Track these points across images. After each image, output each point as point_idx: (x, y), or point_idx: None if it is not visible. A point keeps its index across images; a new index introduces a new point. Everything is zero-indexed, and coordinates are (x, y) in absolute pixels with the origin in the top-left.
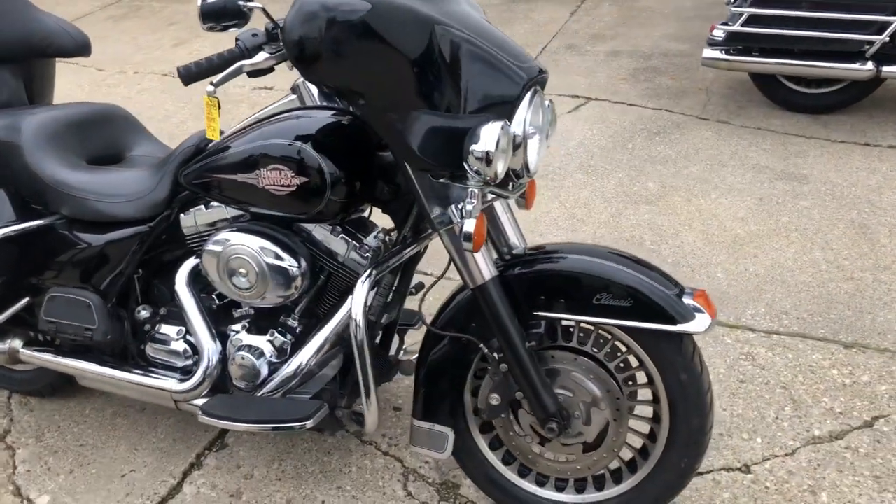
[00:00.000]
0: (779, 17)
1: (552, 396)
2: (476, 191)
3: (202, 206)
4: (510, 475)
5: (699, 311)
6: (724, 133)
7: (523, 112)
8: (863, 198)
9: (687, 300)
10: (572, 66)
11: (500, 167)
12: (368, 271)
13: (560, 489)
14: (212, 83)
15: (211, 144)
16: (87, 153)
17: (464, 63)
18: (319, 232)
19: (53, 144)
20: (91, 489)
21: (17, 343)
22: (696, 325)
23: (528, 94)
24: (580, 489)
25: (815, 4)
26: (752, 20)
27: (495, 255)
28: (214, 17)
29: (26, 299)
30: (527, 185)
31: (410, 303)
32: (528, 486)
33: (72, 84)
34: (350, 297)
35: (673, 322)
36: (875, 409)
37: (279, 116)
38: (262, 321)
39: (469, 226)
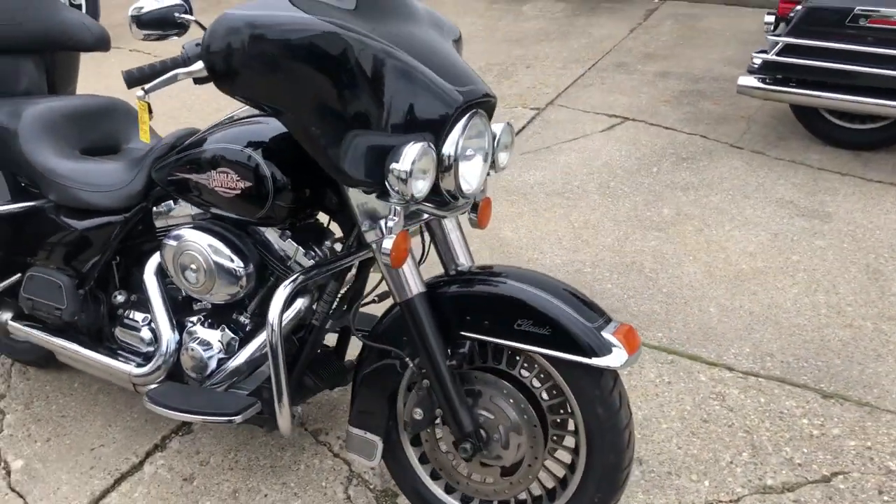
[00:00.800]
0: (817, 48)
1: (470, 416)
2: (398, 208)
3: (171, 202)
4: (437, 490)
5: (616, 346)
6: (756, 164)
7: (456, 134)
8: (885, 242)
9: (606, 334)
10: (617, 85)
11: (420, 187)
12: (293, 277)
13: None
14: (143, 88)
15: (183, 143)
16: (82, 143)
17: (390, 83)
18: (271, 235)
19: (49, 133)
20: (61, 458)
21: (6, 315)
22: (611, 359)
23: (465, 118)
24: None
25: (856, 37)
26: (788, 49)
27: (443, 271)
28: (150, 27)
29: (17, 275)
30: (468, 205)
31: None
32: (452, 501)
33: None
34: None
35: (587, 354)
36: (837, 464)
37: (242, 120)
38: (216, 316)
39: (388, 242)
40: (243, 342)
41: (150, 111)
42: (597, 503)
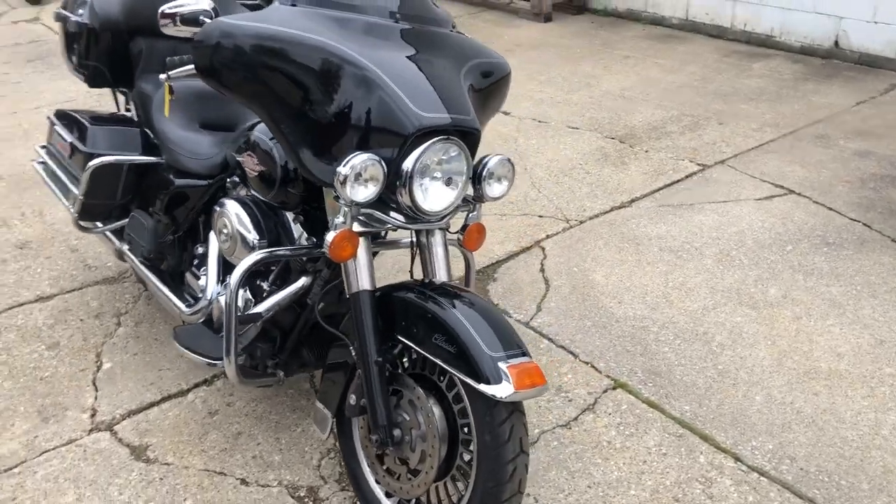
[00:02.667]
0: None
1: (387, 411)
2: (346, 209)
3: (236, 177)
4: (369, 475)
5: (506, 377)
6: None
7: (415, 155)
8: None
9: (503, 365)
10: (803, 156)
11: (363, 194)
12: (258, 254)
13: None
14: (168, 73)
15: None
16: (203, 118)
17: (357, 99)
18: (288, 217)
19: (177, 105)
20: (136, 371)
21: (125, 246)
22: (496, 389)
23: (430, 142)
24: None
25: None
26: None
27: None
28: (173, 20)
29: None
30: (441, 224)
31: None
32: (379, 492)
33: None
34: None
35: (477, 379)
36: None
37: None
38: (247, 278)
39: (329, 236)
40: (256, 304)
41: (172, 91)
42: None
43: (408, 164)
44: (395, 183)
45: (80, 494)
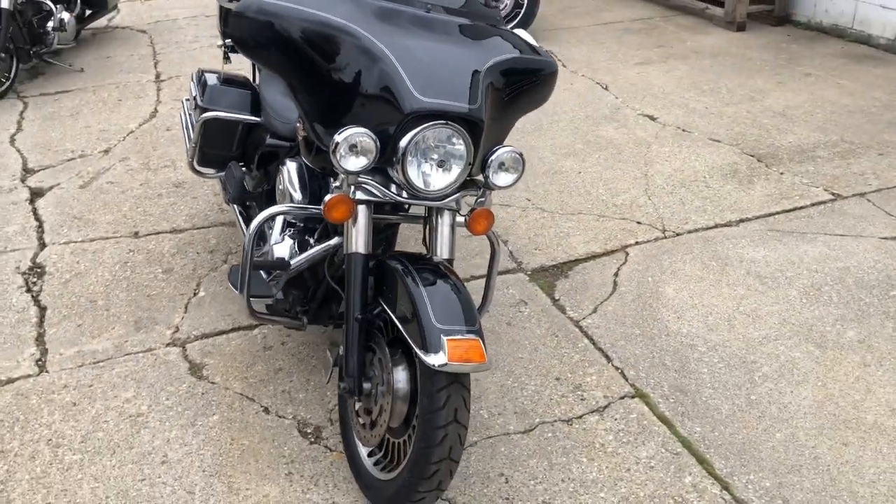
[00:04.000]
0: None
1: (358, 364)
2: (342, 176)
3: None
4: (352, 423)
5: (443, 349)
6: None
7: (410, 135)
8: None
9: (445, 338)
10: None
11: (353, 164)
12: (276, 208)
13: (377, 464)
14: (223, 43)
15: None
16: None
17: (365, 78)
18: (330, 182)
19: None
20: (221, 303)
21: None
22: (432, 358)
23: (427, 124)
24: (384, 467)
25: None
26: None
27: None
28: None
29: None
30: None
31: None
32: (357, 439)
33: None
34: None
35: (420, 347)
36: None
37: None
38: (299, 232)
39: (327, 198)
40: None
41: (226, 58)
42: (408, 484)
43: (403, 142)
44: (391, 159)
45: (138, 393)
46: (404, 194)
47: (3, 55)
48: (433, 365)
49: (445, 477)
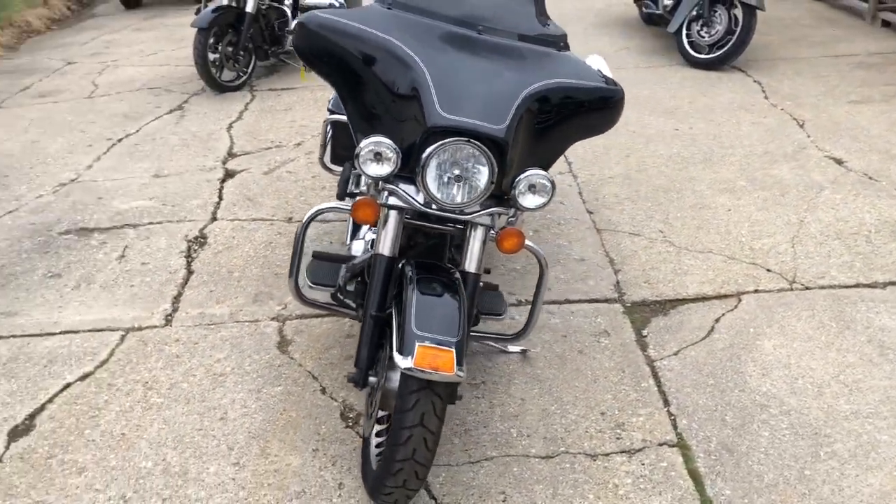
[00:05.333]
0: None
1: (367, 357)
2: (368, 180)
3: None
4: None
5: (412, 354)
6: None
7: (430, 149)
8: None
9: (419, 343)
10: None
11: (374, 170)
12: (323, 204)
13: (378, 456)
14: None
15: None
16: None
17: (400, 92)
18: None
19: None
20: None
21: None
22: (401, 360)
23: (447, 140)
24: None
25: None
26: None
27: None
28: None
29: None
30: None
31: None
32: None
33: None
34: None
35: (396, 348)
36: None
37: None
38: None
39: (355, 200)
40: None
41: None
42: (379, 478)
43: (424, 155)
44: (415, 169)
45: (229, 356)
46: (433, 206)
47: (242, 53)
48: (399, 365)
49: (411, 477)
